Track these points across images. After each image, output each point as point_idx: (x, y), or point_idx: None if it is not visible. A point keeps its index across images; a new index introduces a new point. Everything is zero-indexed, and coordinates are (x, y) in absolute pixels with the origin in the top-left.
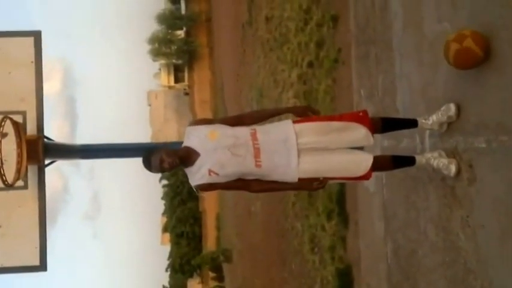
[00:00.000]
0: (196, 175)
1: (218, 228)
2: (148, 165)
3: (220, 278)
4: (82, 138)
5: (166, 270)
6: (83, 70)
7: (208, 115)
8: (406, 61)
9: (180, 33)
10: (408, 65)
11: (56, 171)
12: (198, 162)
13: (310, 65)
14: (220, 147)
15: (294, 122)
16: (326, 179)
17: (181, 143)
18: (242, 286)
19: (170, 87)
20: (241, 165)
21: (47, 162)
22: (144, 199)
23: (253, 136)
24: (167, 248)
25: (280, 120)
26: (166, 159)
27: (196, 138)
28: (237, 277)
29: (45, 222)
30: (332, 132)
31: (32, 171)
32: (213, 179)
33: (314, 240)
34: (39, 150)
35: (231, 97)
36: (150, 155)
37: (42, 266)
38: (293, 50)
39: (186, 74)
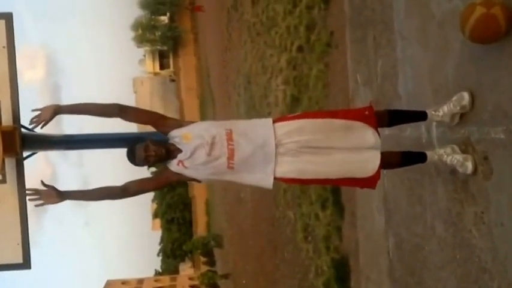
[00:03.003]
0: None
1: (208, 214)
2: (132, 156)
3: (211, 262)
4: (68, 125)
5: (158, 255)
6: (67, 57)
7: (195, 102)
8: (409, 44)
9: (164, 18)
10: (412, 49)
11: (44, 159)
12: (179, 156)
13: (300, 49)
14: (196, 147)
15: (279, 119)
16: (329, 181)
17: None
18: (233, 271)
19: (156, 74)
20: (213, 165)
21: (26, 154)
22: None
23: (229, 136)
24: (158, 234)
25: (259, 117)
26: (152, 147)
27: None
28: (228, 262)
29: (27, 217)
30: (335, 131)
31: (10, 165)
32: (179, 170)
33: (307, 229)
34: (16, 142)
35: (217, 84)
36: (135, 145)
37: (25, 264)
38: (281, 34)
39: (171, 60)
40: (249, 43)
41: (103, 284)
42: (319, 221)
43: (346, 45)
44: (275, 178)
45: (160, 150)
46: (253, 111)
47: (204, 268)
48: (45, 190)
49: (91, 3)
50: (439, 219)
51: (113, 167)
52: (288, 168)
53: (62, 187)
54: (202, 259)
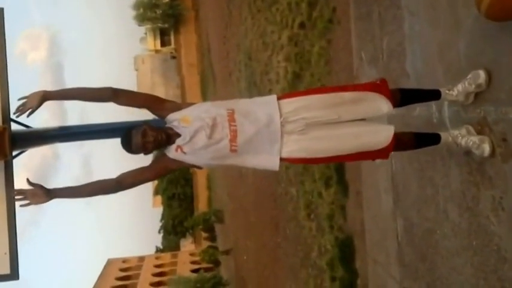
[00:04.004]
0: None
1: (209, 189)
2: (127, 143)
3: (212, 238)
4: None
5: (159, 232)
6: (70, 37)
7: (196, 78)
8: (417, 20)
9: None
10: (420, 25)
11: None
12: (177, 141)
13: (302, 26)
14: (196, 130)
15: (284, 96)
16: (340, 158)
17: None
18: (234, 247)
19: (157, 51)
20: (214, 148)
21: (15, 152)
22: (135, 162)
23: (231, 117)
24: (159, 211)
25: (260, 93)
26: (150, 132)
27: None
28: (229, 238)
29: (15, 224)
30: (344, 104)
31: None
32: (178, 156)
33: (310, 206)
34: (6, 144)
35: (218, 60)
36: (130, 131)
37: (13, 275)
38: (282, 10)
39: (172, 38)
40: (249, 20)
41: (104, 263)
42: (323, 199)
43: (350, 22)
44: (281, 159)
45: (160, 135)
46: (254, 88)
47: (205, 244)
48: (30, 190)
49: None
50: (452, 203)
51: (113, 147)
52: (295, 147)
53: (63, 168)
54: (204, 235)
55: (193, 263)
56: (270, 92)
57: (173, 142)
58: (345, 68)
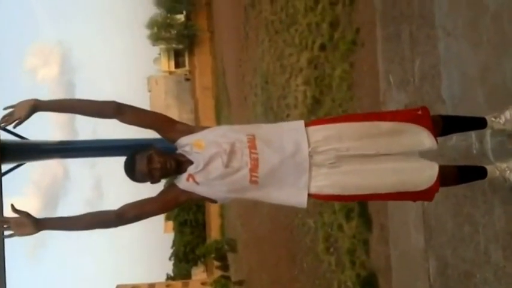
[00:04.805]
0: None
1: (222, 216)
2: (131, 169)
3: (225, 267)
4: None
5: (170, 259)
6: (82, 55)
7: (211, 102)
8: (455, 40)
9: (180, 17)
10: (458, 46)
11: None
12: (189, 169)
13: (323, 47)
14: (211, 157)
15: (313, 122)
16: (375, 197)
17: None
18: (248, 278)
19: (171, 73)
20: (232, 179)
21: (6, 167)
22: (147, 187)
23: (251, 143)
24: (171, 236)
25: (276, 119)
26: (157, 158)
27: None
28: (242, 268)
29: (4, 248)
30: (382, 136)
31: None
32: (190, 187)
33: (329, 239)
34: None
35: (233, 83)
36: (134, 155)
37: None
38: (302, 31)
39: (186, 59)
40: (266, 42)
41: None
42: (343, 232)
43: (376, 43)
44: (309, 195)
45: (169, 162)
46: (271, 113)
47: (217, 273)
48: (15, 218)
49: (107, 1)
50: (495, 244)
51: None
52: (326, 182)
53: (74, 188)
54: (216, 263)
55: None
56: (287, 118)
57: (184, 170)
58: (370, 92)
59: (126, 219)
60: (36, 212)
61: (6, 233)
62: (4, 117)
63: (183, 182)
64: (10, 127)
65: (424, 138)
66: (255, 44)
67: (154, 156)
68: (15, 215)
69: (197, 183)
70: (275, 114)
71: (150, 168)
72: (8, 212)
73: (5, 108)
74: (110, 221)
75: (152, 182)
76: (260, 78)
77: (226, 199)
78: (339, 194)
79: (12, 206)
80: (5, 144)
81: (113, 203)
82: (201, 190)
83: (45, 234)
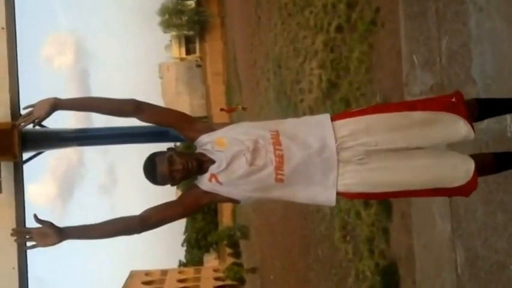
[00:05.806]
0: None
1: None
2: (151, 172)
3: (237, 254)
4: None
5: (182, 245)
6: (95, 43)
7: (222, 88)
8: (487, 17)
9: (191, 3)
10: (492, 21)
11: None
12: (210, 169)
13: (339, 29)
14: (234, 156)
15: (339, 115)
16: (407, 193)
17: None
18: (260, 265)
19: (182, 59)
20: (257, 178)
21: (27, 155)
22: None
23: (276, 140)
24: (182, 223)
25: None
26: (178, 159)
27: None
28: (255, 255)
29: (26, 259)
30: (414, 127)
31: (6, 169)
32: (212, 187)
33: (346, 227)
34: (15, 143)
35: (244, 69)
36: (154, 158)
37: None
38: (317, 13)
39: (197, 46)
40: (279, 25)
41: (127, 275)
42: (361, 219)
43: (398, 22)
44: (337, 193)
45: (191, 162)
46: (284, 98)
47: (229, 260)
48: (38, 229)
49: None
50: None
51: (138, 155)
52: (354, 179)
53: (88, 174)
54: (228, 250)
55: (216, 279)
56: (301, 103)
57: (206, 170)
58: (391, 74)
59: (150, 224)
60: (53, 198)
61: (29, 243)
62: (24, 116)
63: (205, 183)
64: (30, 126)
65: (460, 128)
66: (267, 28)
67: (175, 157)
68: (38, 225)
69: (220, 183)
70: (288, 99)
71: (171, 170)
72: (28, 199)
73: (25, 108)
74: (135, 227)
75: (172, 184)
76: (272, 62)
77: (250, 198)
78: (369, 192)
79: (35, 215)
80: (25, 133)
81: (126, 187)
82: (225, 190)
83: (60, 218)
